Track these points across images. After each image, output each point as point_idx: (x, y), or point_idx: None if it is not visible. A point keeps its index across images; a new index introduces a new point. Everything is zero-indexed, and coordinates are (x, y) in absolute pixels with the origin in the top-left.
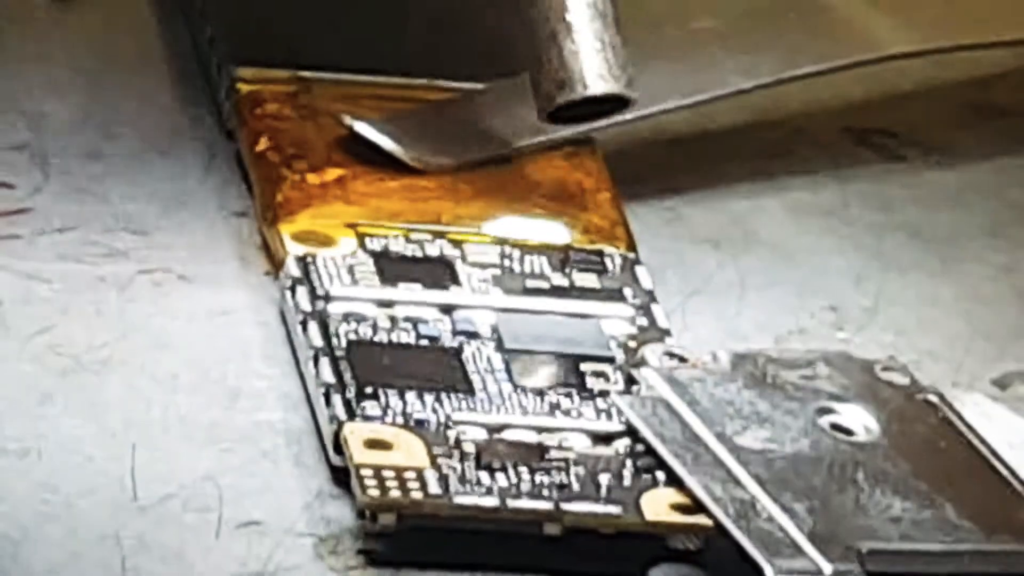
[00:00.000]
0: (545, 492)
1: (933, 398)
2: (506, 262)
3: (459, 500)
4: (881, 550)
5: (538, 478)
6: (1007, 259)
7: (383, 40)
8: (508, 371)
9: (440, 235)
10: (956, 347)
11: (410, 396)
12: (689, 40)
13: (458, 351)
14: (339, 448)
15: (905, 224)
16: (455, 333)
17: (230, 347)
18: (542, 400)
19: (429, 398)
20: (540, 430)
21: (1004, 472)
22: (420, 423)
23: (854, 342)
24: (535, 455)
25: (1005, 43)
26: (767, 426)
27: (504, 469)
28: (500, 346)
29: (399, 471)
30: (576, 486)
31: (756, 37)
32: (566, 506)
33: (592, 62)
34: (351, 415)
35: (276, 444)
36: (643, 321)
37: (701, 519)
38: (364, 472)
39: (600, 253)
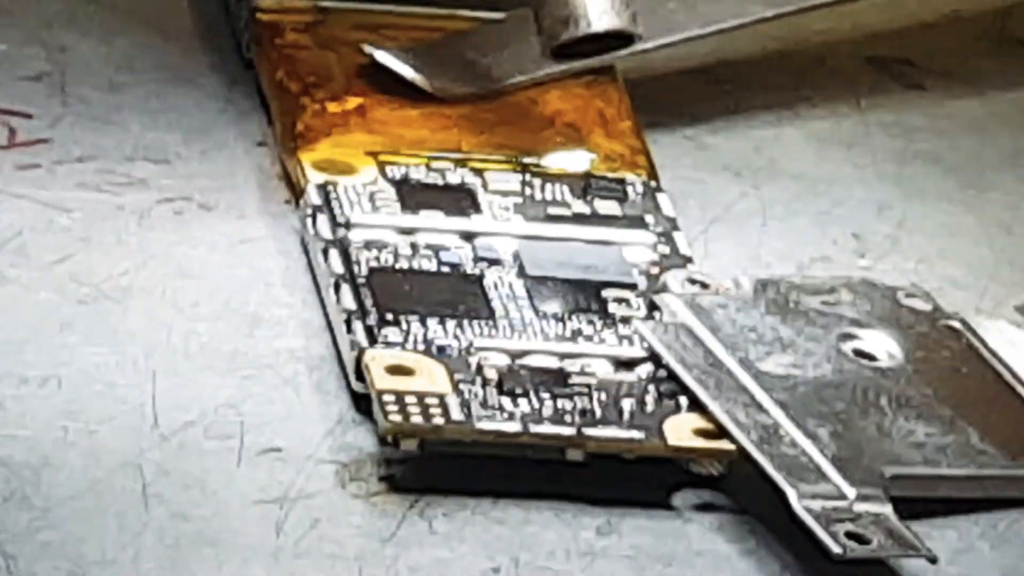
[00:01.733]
0: (567, 417)
1: (956, 324)
2: (527, 190)
3: (481, 425)
4: (904, 475)
5: (560, 403)
6: None
7: None
8: (530, 297)
9: (461, 163)
10: (979, 274)
11: (431, 322)
12: None
13: (479, 278)
14: (360, 375)
15: (926, 152)
16: (476, 260)
17: (251, 275)
18: (564, 326)
19: (451, 324)
20: (562, 356)
21: None
22: (442, 349)
23: (876, 269)
24: (557, 381)
25: None
26: (790, 352)
27: (526, 395)
28: (521, 272)
29: (421, 397)
30: (598, 411)
31: None
32: (589, 431)
33: None
34: (372, 341)
35: (297, 371)
36: (665, 248)
37: (724, 444)
38: (386, 398)
39: (621, 181)
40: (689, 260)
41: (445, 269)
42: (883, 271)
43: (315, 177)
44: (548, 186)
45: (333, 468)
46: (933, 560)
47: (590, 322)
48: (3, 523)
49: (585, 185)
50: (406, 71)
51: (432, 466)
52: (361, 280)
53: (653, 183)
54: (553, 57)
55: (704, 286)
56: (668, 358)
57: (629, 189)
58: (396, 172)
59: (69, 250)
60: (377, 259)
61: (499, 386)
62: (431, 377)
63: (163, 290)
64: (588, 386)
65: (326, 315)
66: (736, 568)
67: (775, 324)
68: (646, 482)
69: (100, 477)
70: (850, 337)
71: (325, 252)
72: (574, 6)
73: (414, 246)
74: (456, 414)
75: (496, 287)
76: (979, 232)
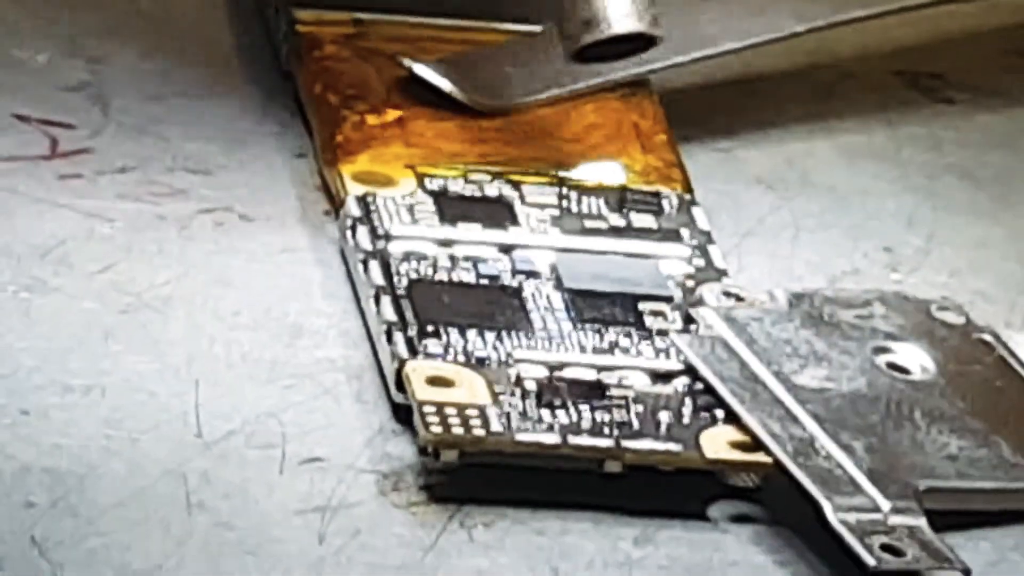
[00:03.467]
0: (605, 429)
1: (988, 337)
2: (564, 203)
3: (520, 437)
4: (938, 488)
5: (598, 415)
6: None
7: None
8: (567, 310)
9: (498, 175)
10: (1009, 287)
11: (471, 334)
12: None
13: (518, 290)
14: (401, 385)
15: (956, 166)
16: (515, 272)
17: (291, 285)
18: (601, 338)
19: (490, 336)
20: (600, 368)
21: None
22: (481, 361)
23: (908, 283)
24: (595, 393)
25: None
26: (824, 365)
27: (565, 406)
28: (559, 285)
29: (461, 408)
30: (636, 424)
31: None
32: (626, 443)
33: (617, 1)
34: (413, 353)
35: (337, 381)
36: (700, 261)
37: (760, 457)
38: (427, 409)
39: (657, 194)
40: (724, 273)
41: (484, 281)
42: (914, 284)
43: (355, 189)
44: (584, 199)
45: (374, 478)
46: (967, 572)
47: (627, 335)
48: (49, 531)
49: (621, 198)
50: (444, 84)
51: (472, 476)
52: (401, 292)
53: (688, 196)
54: (576, 61)
55: (739, 299)
56: (704, 371)
57: (664, 202)
58: (435, 184)
59: (111, 259)
60: (417, 271)
61: (538, 398)
62: (471, 388)
63: (204, 300)
64: (625, 398)
65: (366, 325)
66: None
67: (809, 337)
68: (683, 494)
69: (144, 485)
70: (884, 350)
71: (365, 263)
72: (595, 9)
73: (453, 258)
74: (496, 425)
75: (534, 299)
76: (1009, 245)
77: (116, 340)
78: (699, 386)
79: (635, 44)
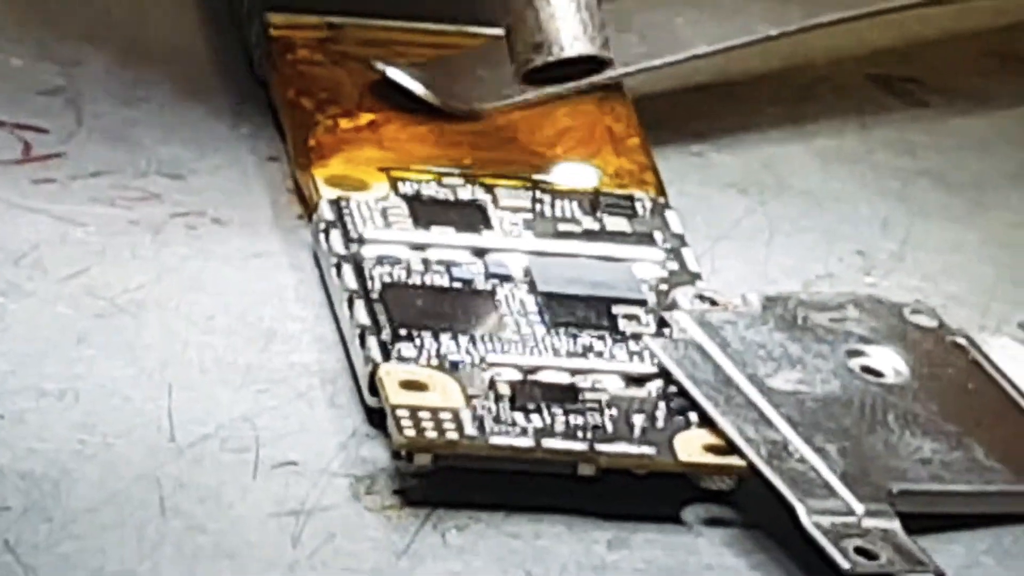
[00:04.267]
0: (579, 433)
1: (961, 340)
2: (537, 206)
3: (494, 440)
4: (911, 490)
5: (572, 419)
6: None
7: None
8: (541, 313)
9: (472, 179)
10: (982, 291)
11: (444, 338)
12: None
13: (491, 294)
14: (374, 389)
15: (930, 170)
16: (488, 276)
17: (264, 290)
18: (575, 342)
19: (463, 340)
20: (573, 372)
21: None
22: (455, 365)
23: (881, 286)
24: (569, 396)
25: None
26: (798, 368)
27: (538, 410)
28: (533, 289)
29: (435, 412)
30: (610, 427)
31: None
32: (600, 447)
33: (568, 24)
34: (386, 356)
35: (311, 385)
36: (673, 265)
37: (734, 460)
38: (400, 413)
39: (630, 197)
40: (697, 277)
41: (457, 285)
42: (888, 288)
43: (328, 193)
44: (558, 202)
45: (348, 482)
46: (940, 575)
47: (600, 338)
48: (23, 535)
49: (594, 201)
50: (416, 87)
51: (445, 480)
52: (374, 295)
53: (661, 200)
54: (524, 82)
55: (713, 303)
56: (678, 374)
57: (638, 205)
58: (408, 188)
59: (85, 264)
60: (390, 275)
61: (512, 401)
62: (444, 392)
63: (178, 304)
64: (599, 402)
65: (339, 329)
66: None
67: (783, 340)
68: (657, 497)
69: (118, 489)
70: (857, 353)
71: (338, 267)
72: (546, 31)
73: (426, 262)
74: (469, 429)
75: (508, 303)
76: (982, 249)
77: (90, 344)
78: (673, 389)
79: (586, 66)
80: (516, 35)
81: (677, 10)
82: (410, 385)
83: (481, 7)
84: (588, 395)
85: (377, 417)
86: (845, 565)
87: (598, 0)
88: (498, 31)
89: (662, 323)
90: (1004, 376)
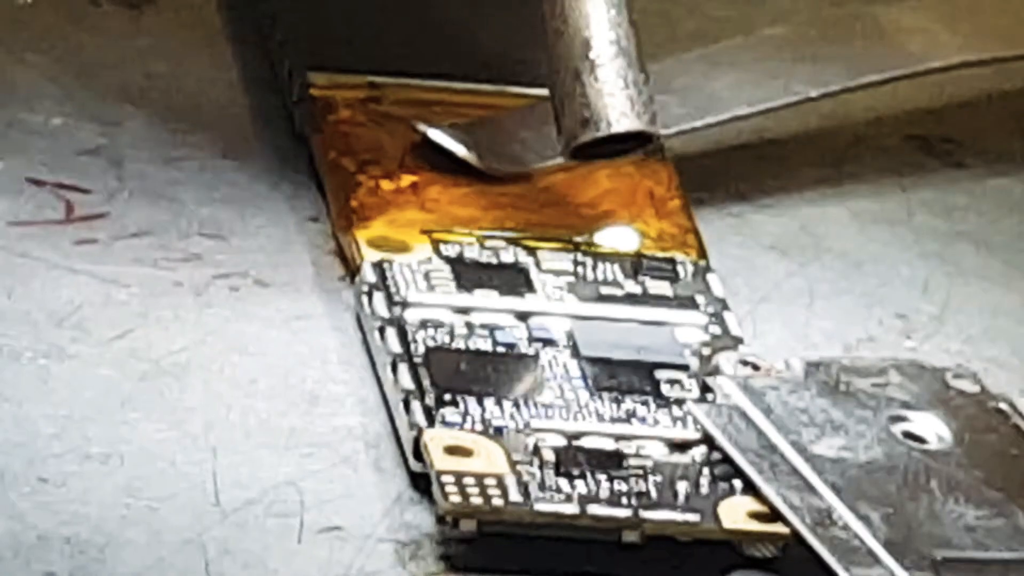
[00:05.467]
0: (624, 500)
1: (1004, 406)
2: (579, 269)
3: (539, 507)
4: (956, 558)
5: (616, 485)
6: None
7: (456, 46)
8: (584, 378)
9: (514, 242)
10: (1023, 354)
11: (488, 403)
12: (757, 48)
13: (535, 357)
14: (418, 454)
15: (969, 232)
16: (531, 340)
17: (307, 352)
18: (619, 407)
19: (507, 405)
20: (617, 437)
21: None
22: (499, 430)
23: (922, 350)
24: (613, 462)
25: None
26: (841, 434)
27: (583, 476)
28: (576, 353)
29: (479, 477)
30: (654, 494)
31: (822, 46)
32: (645, 514)
33: (615, 100)
34: (431, 421)
35: (355, 449)
36: (716, 329)
37: (778, 527)
38: (445, 479)
39: (672, 260)
40: (740, 341)
41: (501, 349)
42: (928, 352)
43: (370, 255)
44: (600, 265)
45: (392, 547)
46: None
47: (644, 403)
48: None
49: (636, 265)
50: (458, 149)
51: (490, 546)
52: (418, 359)
53: (703, 262)
54: (571, 157)
55: (755, 368)
56: (722, 441)
57: (680, 269)
58: (450, 250)
59: (128, 326)
60: (434, 338)
61: (556, 467)
62: (489, 458)
63: (221, 366)
64: (644, 468)
65: (383, 393)
66: None
67: (826, 406)
68: (701, 564)
69: (163, 555)
70: (900, 419)
71: (382, 331)
72: (594, 107)
73: (470, 325)
74: (514, 495)
75: (551, 367)
76: (1022, 313)
77: (134, 407)
78: (717, 456)
79: (633, 142)
80: (563, 110)
81: (716, 71)
82: (455, 451)
83: (522, 68)
84: (632, 461)
85: (422, 482)
86: None
87: (645, 76)
88: (540, 91)
89: (705, 388)
90: None
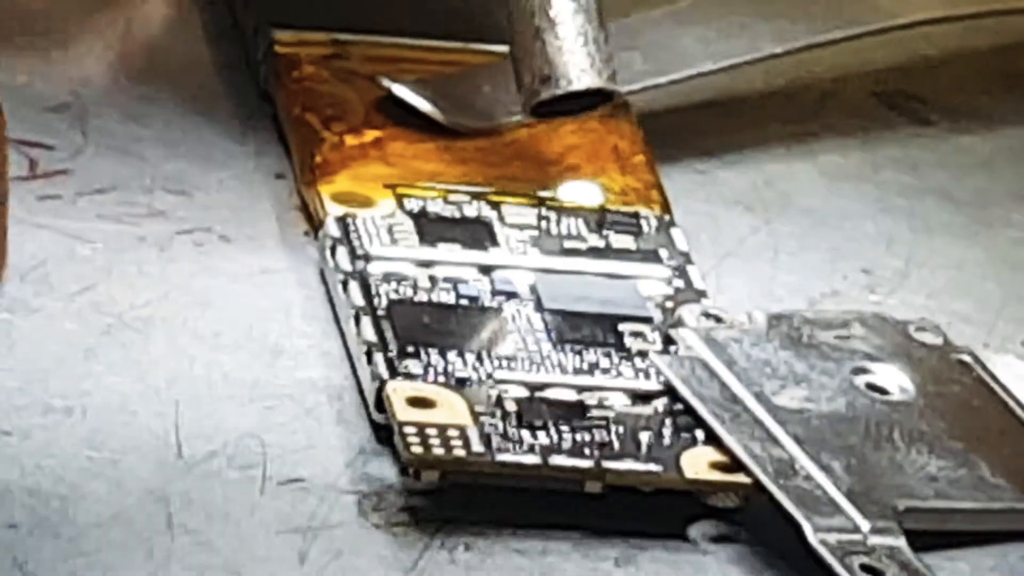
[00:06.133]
0: (586, 450)
1: (967, 358)
2: (543, 223)
3: (501, 457)
4: (917, 508)
5: (579, 436)
6: None
7: (420, 3)
8: (547, 330)
9: (478, 196)
10: (987, 309)
11: (451, 355)
12: (723, 4)
13: (498, 310)
14: (381, 406)
15: (935, 188)
16: (494, 293)
17: (271, 306)
18: (582, 359)
19: (470, 357)
20: (580, 389)
21: None
22: (462, 381)
23: (886, 304)
24: (576, 413)
25: None
26: (804, 386)
27: (545, 427)
28: (539, 306)
29: (442, 429)
30: (616, 444)
31: (789, 2)
32: (607, 464)
33: (575, 57)
34: (393, 373)
35: (318, 401)
36: (679, 282)
37: (740, 477)
38: (408, 430)
39: (636, 215)
40: (703, 294)
41: (464, 302)
42: (893, 306)
43: (334, 209)
44: (564, 220)
45: (355, 498)
46: None
47: (607, 355)
48: (31, 552)
49: (600, 219)
50: (422, 104)
51: (453, 497)
52: (381, 312)
53: (667, 217)
54: (532, 115)
55: (718, 320)
56: (684, 392)
57: (643, 223)
58: (414, 205)
59: (91, 280)
60: (397, 291)
61: (519, 418)
62: (451, 409)
63: (184, 320)
64: (606, 419)
65: (346, 346)
66: None
67: (789, 358)
68: (663, 514)
69: (126, 506)
70: (863, 371)
71: (345, 284)
72: (554, 64)
73: (433, 279)
74: (477, 446)
75: (514, 320)
76: (987, 267)
77: (97, 361)
78: (679, 407)
79: (593, 99)
80: (523, 67)
81: (682, 28)
82: (417, 402)
83: (486, 25)
84: (595, 412)
85: (384, 434)
86: None
87: (604, 34)
88: (504, 48)
89: (668, 340)
90: (1009, 394)
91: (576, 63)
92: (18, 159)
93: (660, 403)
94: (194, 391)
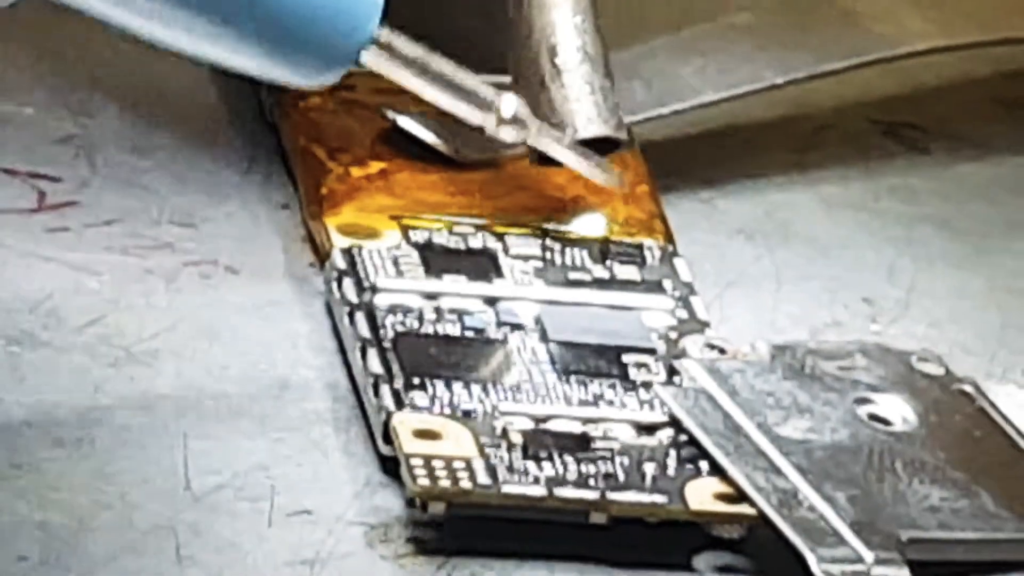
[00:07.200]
0: (591, 481)
1: (968, 388)
2: (547, 254)
3: (507, 489)
4: (921, 538)
5: (584, 467)
6: None
7: (426, 34)
8: (552, 362)
9: (482, 228)
10: (988, 338)
11: (457, 387)
12: (724, 35)
13: (503, 342)
14: (388, 438)
15: (934, 217)
16: (499, 324)
17: (278, 338)
18: (586, 390)
19: (476, 389)
20: (585, 420)
21: None
22: (467, 413)
23: (888, 334)
24: (581, 445)
25: None
26: (807, 416)
27: (551, 458)
28: (544, 337)
29: (448, 460)
30: (621, 475)
31: (789, 32)
32: (612, 495)
33: (581, 105)
34: (400, 405)
35: (325, 433)
36: (683, 313)
37: (744, 508)
38: (414, 462)
39: (639, 246)
40: (707, 325)
41: (469, 333)
42: (894, 336)
43: (340, 241)
44: (568, 251)
45: (362, 530)
46: None
47: (611, 387)
48: None
49: (604, 250)
50: (427, 136)
51: (459, 528)
52: (387, 344)
53: (670, 247)
54: (538, 161)
55: (722, 351)
56: (688, 423)
57: (647, 254)
58: (419, 236)
59: (99, 313)
60: (403, 323)
61: (524, 450)
62: (457, 441)
63: (192, 353)
64: (611, 450)
65: (352, 377)
66: None
67: (792, 389)
68: (668, 545)
69: (135, 539)
70: (865, 401)
71: (351, 315)
72: (560, 113)
73: (438, 310)
74: (483, 478)
75: (519, 351)
76: (987, 296)
77: (105, 394)
78: (683, 438)
79: (600, 147)
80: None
81: (684, 59)
82: (424, 434)
83: (491, 57)
84: (600, 444)
85: (391, 465)
86: None
87: (611, 81)
88: (507, 79)
89: (672, 371)
90: (1010, 423)
91: (582, 112)
92: (26, 191)
93: (665, 434)
94: (202, 424)
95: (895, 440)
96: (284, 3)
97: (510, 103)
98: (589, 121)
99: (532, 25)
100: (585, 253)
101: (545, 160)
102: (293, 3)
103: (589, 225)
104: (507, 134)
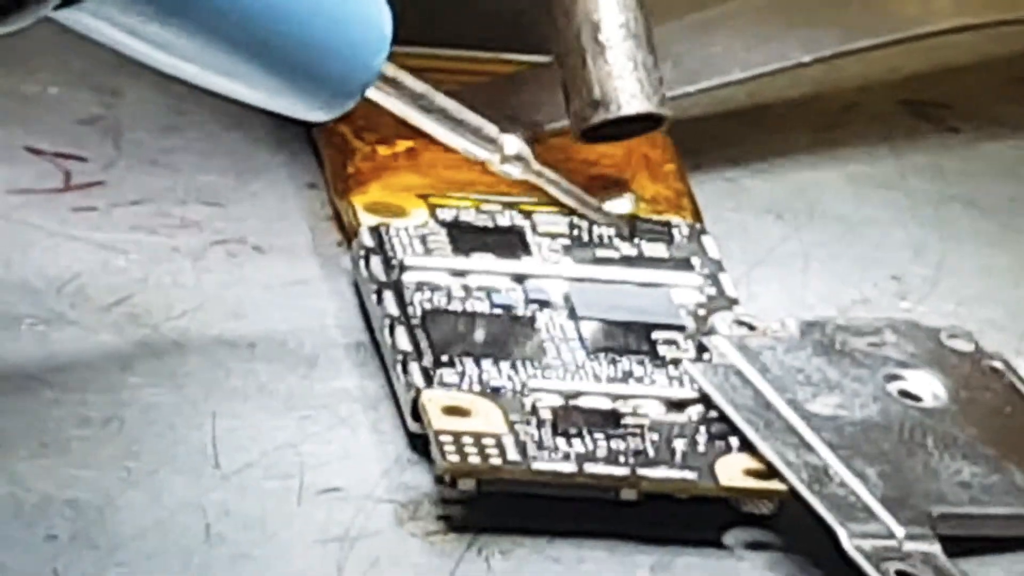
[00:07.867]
0: (621, 458)
1: (998, 364)
2: (575, 232)
3: (537, 466)
4: (951, 513)
5: (614, 444)
6: None
7: (454, 12)
8: (581, 339)
9: (510, 205)
10: (1017, 315)
11: (486, 363)
12: (751, 13)
13: (532, 319)
14: (417, 415)
15: (962, 195)
16: (528, 302)
17: (305, 316)
18: (616, 367)
19: (504, 365)
20: (614, 397)
21: None
22: (496, 390)
23: (917, 311)
24: (610, 421)
25: None
26: (837, 392)
27: (580, 435)
28: (573, 315)
29: (477, 437)
30: (651, 452)
31: (816, 10)
32: (642, 471)
33: (625, 82)
34: (428, 382)
35: (353, 411)
36: (711, 290)
37: (775, 484)
38: (443, 438)
39: (667, 223)
40: (735, 302)
41: (498, 311)
42: (923, 313)
43: (367, 220)
44: (595, 228)
45: (391, 507)
46: None
47: (640, 363)
48: (70, 563)
49: (632, 227)
50: None
51: (489, 505)
52: (416, 321)
53: (698, 225)
54: (582, 139)
55: (751, 328)
56: (718, 399)
57: (675, 231)
58: (447, 215)
59: (127, 291)
60: (431, 301)
61: (554, 426)
62: (487, 418)
63: (220, 331)
64: (641, 427)
65: (380, 356)
66: None
67: (822, 365)
68: (698, 521)
69: (163, 517)
70: (895, 378)
71: (379, 294)
72: (604, 89)
73: (467, 288)
74: (512, 454)
75: (548, 329)
76: (1016, 273)
77: (133, 372)
78: (713, 414)
79: (643, 124)
80: (573, 92)
81: (710, 37)
82: (453, 411)
83: (522, 35)
84: (629, 420)
85: (420, 443)
86: None
87: (654, 58)
88: (538, 57)
89: (701, 348)
90: None
91: (626, 88)
92: (53, 171)
93: (694, 411)
94: (230, 402)
95: (925, 416)
96: (296, 40)
97: (512, 142)
98: (632, 97)
99: (575, 2)
100: (613, 231)
101: (590, 137)
102: (304, 40)
103: (617, 203)
104: (512, 170)
